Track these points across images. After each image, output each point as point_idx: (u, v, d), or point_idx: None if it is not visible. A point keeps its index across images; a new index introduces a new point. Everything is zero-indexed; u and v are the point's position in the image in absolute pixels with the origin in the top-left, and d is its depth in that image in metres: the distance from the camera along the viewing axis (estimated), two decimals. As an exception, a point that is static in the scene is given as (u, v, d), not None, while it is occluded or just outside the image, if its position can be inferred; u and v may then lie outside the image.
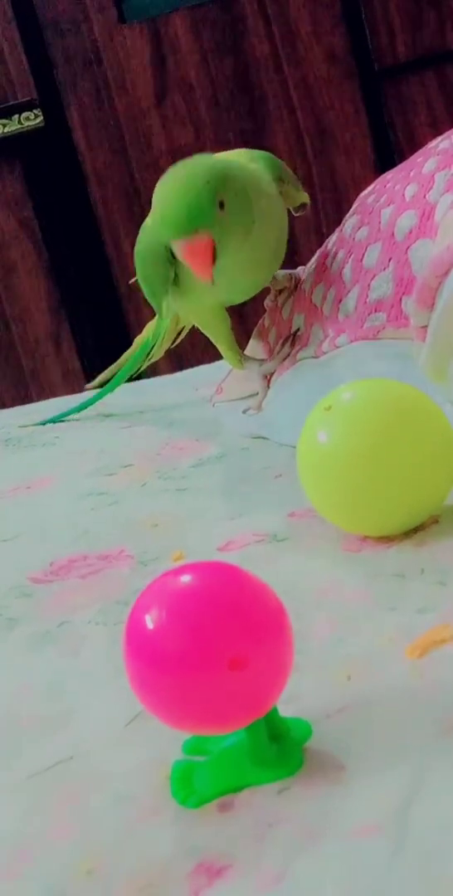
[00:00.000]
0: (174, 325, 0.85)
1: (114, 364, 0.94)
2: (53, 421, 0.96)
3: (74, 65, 1.73)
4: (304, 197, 0.76)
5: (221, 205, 0.64)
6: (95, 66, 1.72)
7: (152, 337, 0.87)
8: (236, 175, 0.67)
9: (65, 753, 0.41)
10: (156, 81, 1.70)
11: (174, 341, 0.88)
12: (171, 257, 0.69)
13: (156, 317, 0.83)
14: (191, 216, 0.64)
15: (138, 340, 0.89)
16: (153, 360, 0.90)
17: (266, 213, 0.70)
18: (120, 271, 1.79)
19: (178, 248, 0.64)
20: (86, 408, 0.95)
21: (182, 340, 0.88)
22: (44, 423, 0.96)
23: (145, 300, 0.79)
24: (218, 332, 0.76)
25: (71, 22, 1.71)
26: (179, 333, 0.87)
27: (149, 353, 0.88)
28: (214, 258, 0.64)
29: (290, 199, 0.74)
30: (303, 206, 0.77)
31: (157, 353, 0.88)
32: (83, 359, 1.84)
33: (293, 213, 0.76)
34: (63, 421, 0.95)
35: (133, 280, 0.89)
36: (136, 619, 0.37)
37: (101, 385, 0.95)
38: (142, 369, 0.91)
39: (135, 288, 0.81)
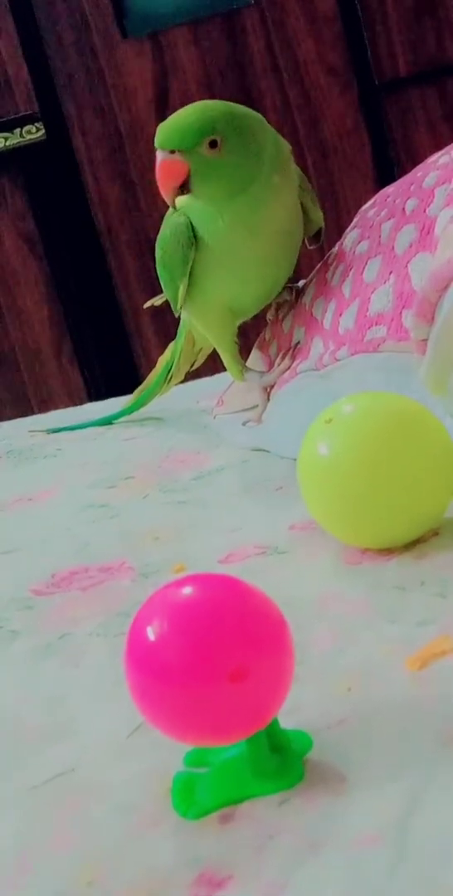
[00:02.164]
0: (191, 347, 0.85)
1: (140, 386, 0.93)
2: (64, 430, 0.96)
3: (76, 79, 1.73)
4: (319, 216, 0.76)
5: (213, 143, 0.67)
6: (97, 80, 1.73)
7: (171, 355, 0.87)
8: (248, 127, 0.69)
9: (66, 765, 0.41)
10: (157, 96, 1.71)
11: (192, 364, 0.88)
12: (193, 241, 0.71)
13: (175, 339, 0.84)
14: (172, 133, 0.68)
15: (161, 361, 0.89)
16: (173, 384, 0.90)
17: (281, 193, 0.71)
18: (122, 285, 1.80)
19: (156, 160, 0.68)
20: (102, 424, 0.95)
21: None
22: (54, 432, 0.96)
23: (149, 316, 0.79)
24: (222, 339, 0.77)
25: (73, 36, 1.72)
26: (197, 357, 0.87)
27: (169, 375, 0.88)
28: (186, 188, 0.68)
29: (308, 214, 0.75)
30: (317, 235, 0.77)
31: (177, 376, 0.88)
32: (84, 372, 1.84)
33: (307, 244, 0.77)
34: (73, 430, 0.95)
35: (147, 304, 0.90)
36: (138, 630, 0.37)
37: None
38: (163, 393, 0.91)
39: (143, 312, 0.82)
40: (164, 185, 0.69)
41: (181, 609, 0.36)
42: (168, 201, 0.70)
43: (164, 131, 0.68)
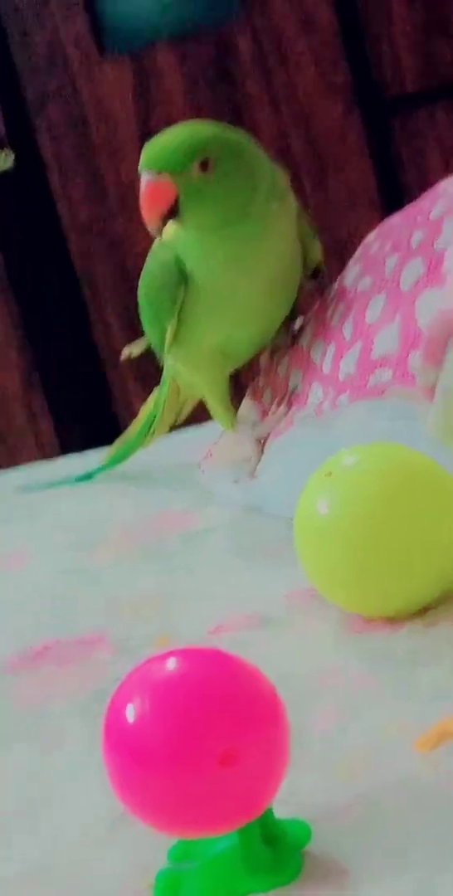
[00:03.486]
0: (176, 396, 0.85)
1: (120, 438, 0.93)
2: (36, 488, 0.96)
3: (50, 101, 1.75)
4: (318, 252, 0.77)
5: (204, 165, 0.68)
6: (73, 103, 1.75)
7: (154, 405, 0.87)
8: (243, 148, 0.70)
9: (38, 860, 0.41)
10: (138, 119, 1.73)
11: (177, 415, 0.88)
12: (183, 278, 0.71)
13: (159, 386, 0.84)
14: (160, 153, 0.68)
15: (143, 410, 0.89)
16: (156, 436, 0.89)
17: (279, 223, 0.72)
18: (100, 324, 1.81)
19: (141, 182, 0.69)
20: (78, 481, 0.95)
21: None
22: (27, 490, 0.96)
23: (130, 359, 0.80)
24: (212, 385, 0.77)
25: (46, 54, 1.75)
26: (182, 408, 0.87)
27: (151, 427, 0.88)
28: (174, 213, 0.68)
29: (305, 249, 0.76)
30: (316, 272, 0.78)
31: (160, 428, 0.88)
32: (57, 422, 1.84)
33: (305, 282, 0.78)
34: (49, 489, 0.95)
35: (124, 355, 0.90)
36: (117, 710, 0.37)
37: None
38: (146, 446, 0.91)
39: (122, 363, 0.83)
40: (150, 210, 0.69)
41: (165, 686, 0.37)
42: (152, 230, 0.70)
43: (151, 150, 0.69)
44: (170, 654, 0.38)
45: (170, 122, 0.78)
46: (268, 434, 0.76)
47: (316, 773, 0.42)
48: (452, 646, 0.50)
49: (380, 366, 0.67)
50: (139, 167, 0.69)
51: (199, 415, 0.90)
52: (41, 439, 1.87)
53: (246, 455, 0.78)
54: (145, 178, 0.68)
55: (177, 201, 0.68)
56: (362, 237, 0.80)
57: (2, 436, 1.88)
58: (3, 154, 1.76)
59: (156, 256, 0.75)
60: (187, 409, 0.88)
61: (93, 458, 1.02)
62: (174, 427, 0.91)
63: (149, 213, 0.69)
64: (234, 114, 1.72)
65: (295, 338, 0.78)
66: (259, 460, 0.76)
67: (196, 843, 0.39)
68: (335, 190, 1.79)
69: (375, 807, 0.39)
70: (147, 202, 0.69)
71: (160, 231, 0.70)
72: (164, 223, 0.69)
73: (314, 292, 0.83)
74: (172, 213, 0.68)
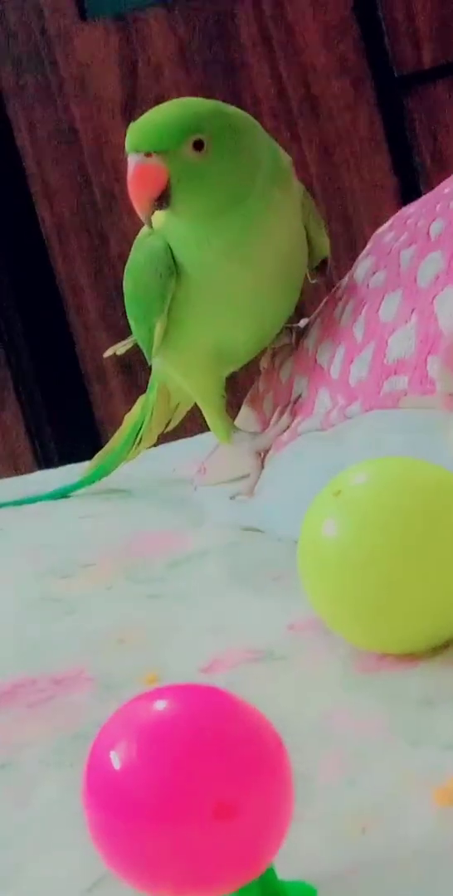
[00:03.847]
0: (165, 402, 0.85)
1: (103, 450, 0.93)
2: (8, 505, 0.96)
3: (24, 72, 1.76)
4: (325, 243, 0.77)
5: (198, 144, 0.68)
6: (50, 73, 1.75)
7: (141, 412, 0.87)
8: (241, 127, 0.71)
9: (8, 927, 0.41)
10: (123, 91, 1.73)
11: (167, 424, 0.88)
12: (173, 270, 0.72)
13: (146, 392, 0.84)
14: (149, 132, 0.69)
15: (128, 419, 0.89)
16: (143, 448, 0.89)
17: (281, 211, 0.72)
18: (79, 323, 1.81)
19: (128, 166, 0.69)
20: (56, 497, 0.95)
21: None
22: (0, 508, 0.96)
23: (113, 362, 0.80)
24: (206, 392, 0.77)
25: (20, 20, 1.75)
26: (173, 415, 0.87)
27: (138, 437, 0.88)
28: (166, 200, 0.69)
29: (311, 240, 0.76)
30: (322, 266, 0.78)
31: (148, 438, 0.88)
32: (32, 432, 1.84)
33: (309, 277, 0.78)
34: (20, 505, 0.95)
35: (108, 352, 0.90)
36: (99, 757, 0.37)
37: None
38: (131, 458, 0.90)
39: (106, 358, 0.83)
40: (139, 195, 0.69)
41: (153, 730, 0.37)
42: (143, 217, 0.70)
43: (139, 130, 0.69)
44: (159, 692, 0.38)
45: (160, 98, 0.78)
46: (269, 447, 0.76)
47: (322, 828, 0.42)
48: (475, 686, 0.50)
49: (395, 372, 0.67)
50: (126, 148, 0.69)
51: (191, 424, 0.90)
52: (13, 451, 1.87)
53: (244, 470, 0.78)
54: (133, 161, 0.69)
55: (168, 185, 0.68)
56: (374, 228, 0.80)
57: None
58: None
59: (143, 246, 0.75)
60: (178, 418, 0.88)
61: (70, 472, 1.02)
62: (163, 437, 0.91)
63: (139, 199, 0.69)
64: (232, 88, 1.73)
65: (299, 338, 0.78)
66: (258, 476, 0.76)
67: (188, 907, 0.39)
68: (344, 173, 1.79)
69: (388, 868, 0.39)
70: (136, 186, 0.69)
71: (150, 218, 0.70)
72: (155, 210, 0.70)
73: (321, 288, 0.83)
74: (164, 198, 0.69)
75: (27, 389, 1.84)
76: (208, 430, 0.80)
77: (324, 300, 0.78)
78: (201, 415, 0.79)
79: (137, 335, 0.79)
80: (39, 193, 1.78)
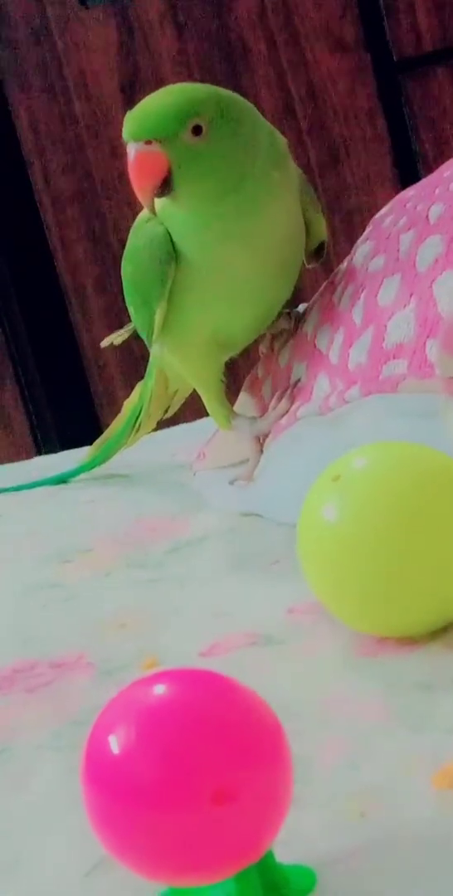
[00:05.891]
0: (163, 388, 0.85)
1: (102, 437, 0.93)
2: (7, 491, 0.96)
3: (24, 58, 1.75)
4: (322, 228, 0.77)
5: (197, 130, 0.68)
6: (50, 60, 1.75)
7: (139, 398, 0.87)
8: (239, 111, 0.70)
9: (8, 912, 0.41)
10: (124, 81, 1.73)
11: (166, 410, 0.88)
12: (173, 255, 0.72)
13: (145, 378, 0.84)
14: (148, 119, 0.69)
15: (127, 405, 0.89)
16: (141, 434, 0.89)
17: (280, 193, 0.72)
18: (78, 309, 1.80)
19: (128, 155, 0.69)
20: (55, 483, 0.95)
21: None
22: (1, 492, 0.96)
23: (112, 349, 0.80)
24: (204, 377, 0.77)
25: (19, 6, 1.74)
26: (171, 401, 0.87)
27: (136, 423, 0.88)
28: (167, 186, 0.68)
29: (308, 224, 0.76)
30: (319, 250, 0.78)
31: (147, 424, 0.88)
32: (32, 418, 1.84)
33: (306, 261, 0.78)
34: (20, 491, 0.96)
35: (105, 342, 0.90)
36: (98, 741, 0.37)
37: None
38: (130, 445, 0.91)
39: (104, 354, 0.83)
40: (141, 183, 0.69)
41: (152, 714, 0.37)
42: (146, 204, 0.70)
43: (137, 118, 0.69)
44: (158, 677, 0.38)
45: (159, 83, 0.78)
46: (268, 432, 0.76)
47: (321, 812, 0.42)
48: (475, 670, 0.50)
49: (394, 357, 0.67)
50: (124, 137, 0.69)
51: (191, 410, 0.90)
52: (13, 437, 1.87)
53: (243, 455, 0.78)
54: (133, 149, 0.68)
55: (170, 172, 0.68)
56: (373, 212, 0.80)
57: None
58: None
59: (142, 231, 0.75)
60: (176, 404, 0.88)
61: (69, 458, 1.02)
62: (162, 423, 0.91)
63: (141, 187, 0.69)
64: (232, 73, 1.73)
65: (298, 323, 0.78)
66: (258, 461, 0.76)
67: (188, 891, 0.39)
68: (343, 157, 1.79)
69: (388, 851, 0.39)
70: (138, 175, 0.69)
71: (153, 205, 0.70)
72: (157, 197, 0.70)
73: (319, 273, 0.83)
74: (166, 184, 0.69)
75: (27, 376, 1.84)
76: (207, 415, 0.80)
77: (323, 285, 0.78)
78: (200, 401, 0.79)
79: (137, 322, 0.79)
80: (38, 178, 1.78)
